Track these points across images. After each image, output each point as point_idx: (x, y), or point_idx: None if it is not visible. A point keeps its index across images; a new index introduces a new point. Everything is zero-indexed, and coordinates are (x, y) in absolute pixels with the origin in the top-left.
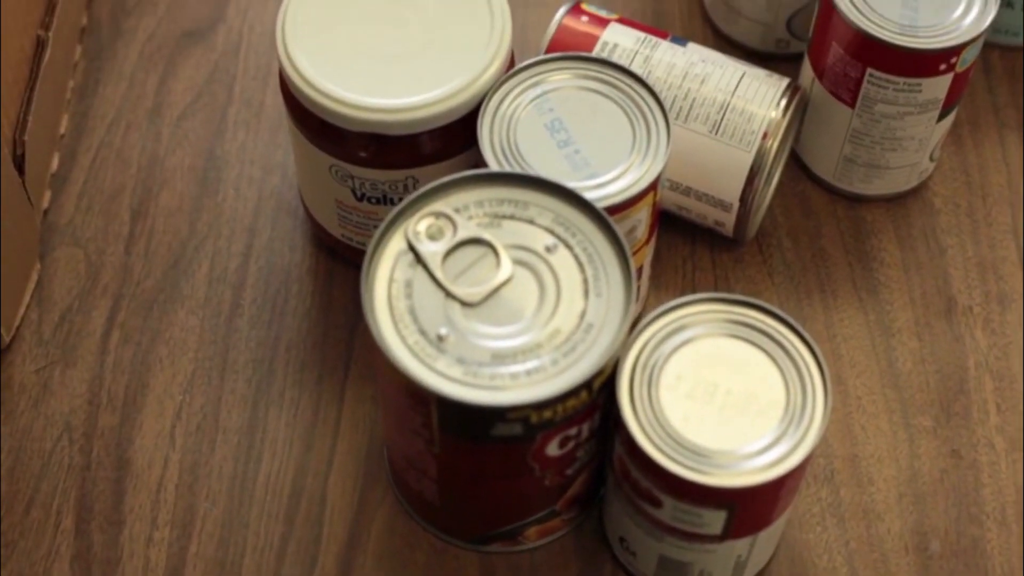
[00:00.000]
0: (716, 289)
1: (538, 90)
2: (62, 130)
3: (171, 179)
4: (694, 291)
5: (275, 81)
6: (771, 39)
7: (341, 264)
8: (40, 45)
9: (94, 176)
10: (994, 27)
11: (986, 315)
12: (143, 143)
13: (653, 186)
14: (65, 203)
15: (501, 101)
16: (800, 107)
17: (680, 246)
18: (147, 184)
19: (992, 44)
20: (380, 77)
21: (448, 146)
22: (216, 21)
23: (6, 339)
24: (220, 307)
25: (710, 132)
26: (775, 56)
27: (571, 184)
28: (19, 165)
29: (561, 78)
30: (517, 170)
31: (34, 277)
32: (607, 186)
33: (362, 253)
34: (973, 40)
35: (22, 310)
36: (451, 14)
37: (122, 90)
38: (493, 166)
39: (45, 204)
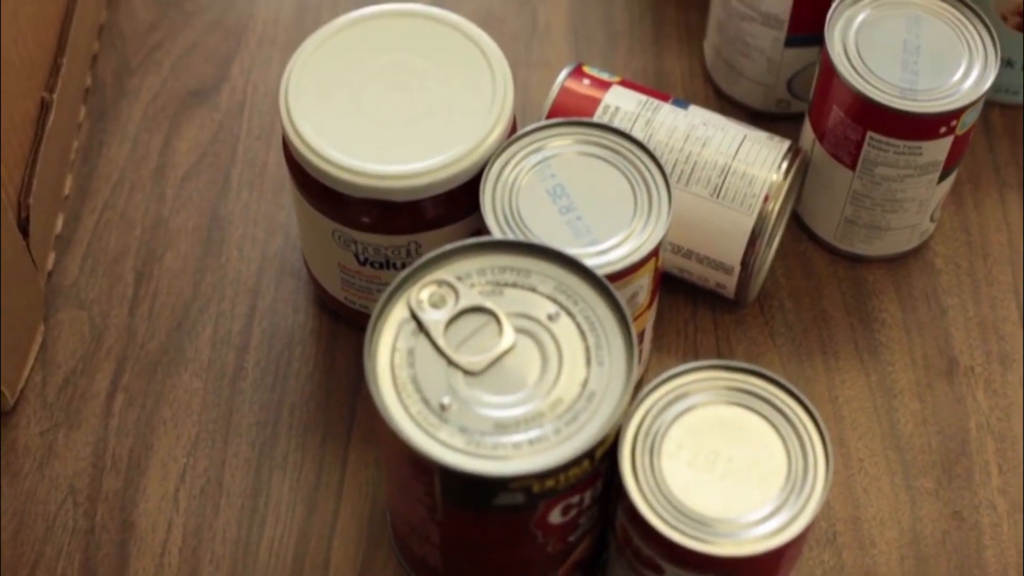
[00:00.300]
0: (718, 351)
1: (540, 156)
2: (66, 191)
3: (175, 240)
4: (696, 353)
5: (278, 141)
6: (772, 99)
7: (344, 326)
8: (45, 107)
9: (98, 237)
10: (994, 86)
11: (987, 375)
12: (147, 204)
13: (655, 252)
14: (69, 265)
15: (503, 167)
16: (801, 169)
17: (682, 307)
18: (151, 245)
19: (992, 102)
20: (383, 143)
21: (451, 211)
22: (220, 81)
23: (10, 401)
24: (224, 369)
25: (711, 195)
26: (776, 116)
27: (573, 251)
28: (24, 228)
29: (563, 143)
30: (519, 237)
31: (38, 339)
32: (609, 253)
33: (365, 316)
34: (973, 103)
35: (26, 372)
36: (453, 78)
37: (126, 150)
38: (496, 234)
39: (49, 266)
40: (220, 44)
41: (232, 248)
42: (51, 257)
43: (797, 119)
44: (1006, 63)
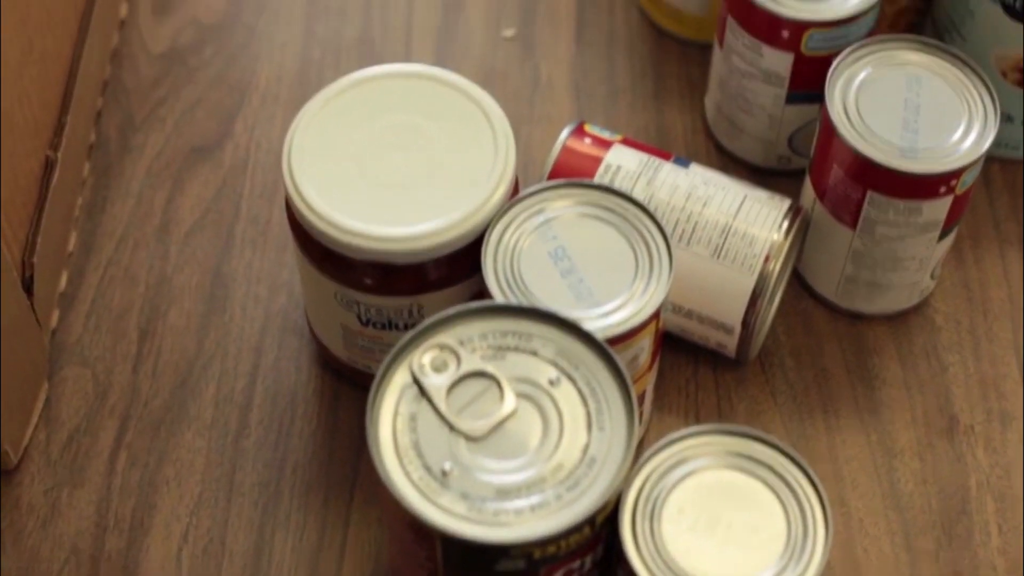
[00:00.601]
0: (719, 411)
1: (541, 218)
2: (70, 248)
3: (178, 298)
4: (697, 413)
5: (281, 199)
6: (773, 156)
7: (347, 384)
8: (49, 166)
9: (102, 295)
10: (994, 141)
11: (987, 434)
12: (151, 261)
13: (655, 315)
14: (73, 322)
15: (505, 230)
16: (802, 228)
17: (683, 366)
18: (155, 303)
19: (993, 157)
20: (385, 205)
21: (453, 273)
22: (223, 137)
23: (14, 460)
24: (227, 428)
25: (712, 255)
26: (777, 172)
27: (574, 314)
28: (28, 287)
29: (564, 204)
30: (521, 301)
31: (42, 397)
32: (610, 316)
33: (368, 375)
34: (973, 164)
35: (30, 430)
36: (456, 140)
37: (130, 207)
38: (498, 297)
39: (53, 323)
40: (223, 100)
41: (235, 306)
42: (55, 314)
43: (798, 175)
44: (1006, 118)
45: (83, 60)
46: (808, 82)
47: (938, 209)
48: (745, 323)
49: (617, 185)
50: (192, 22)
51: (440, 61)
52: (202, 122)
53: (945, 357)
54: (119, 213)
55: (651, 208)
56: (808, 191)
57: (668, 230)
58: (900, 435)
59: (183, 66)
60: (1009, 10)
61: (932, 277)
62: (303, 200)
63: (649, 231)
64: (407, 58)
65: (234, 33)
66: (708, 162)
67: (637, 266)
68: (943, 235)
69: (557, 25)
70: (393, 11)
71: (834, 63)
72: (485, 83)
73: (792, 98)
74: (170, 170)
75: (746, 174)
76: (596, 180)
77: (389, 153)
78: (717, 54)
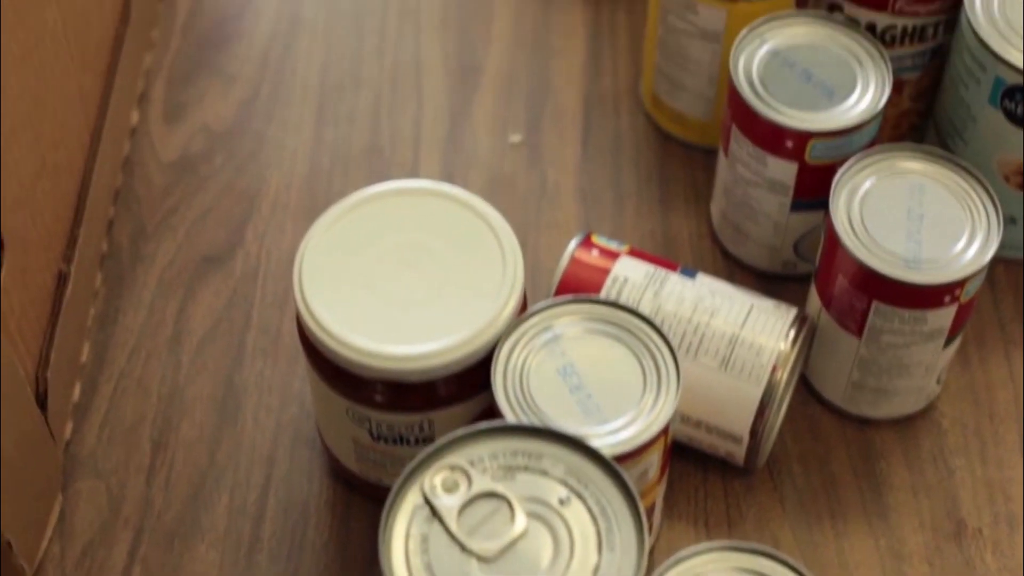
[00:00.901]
0: (728, 519)
1: (549, 334)
2: (84, 358)
3: (191, 409)
4: (706, 521)
5: (292, 308)
6: (778, 261)
7: (359, 496)
8: (62, 279)
9: (115, 406)
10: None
11: (995, 538)
12: (163, 372)
13: (664, 431)
14: (87, 434)
15: (514, 348)
16: (808, 337)
17: (692, 474)
18: (167, 414)
19: (997, 258)
20: (395, 324)
21: (463, 390)
22: (234, 246)
23: (29, 573)
24: (240, 540)
25: (720, 366)
26: (783, 277)
27: (583, 431)
28: (41, 401)
29: (571, 320)
30: (531, 419)
31: (56, 509)
32: (619, 433)
33: (379, 487)
34: (976, 273)
35: (45, 543)
36: (464, 257)
37: (142, 317)
38: (508, 416)
39: (67, 435)
40: (234, 209)
41: (247, 416)
42: (69, 426)
43: (804, 279)
44: (1009, 221)
45: (95, 170)
46: (812, 190)
47: (943, 317)
48: (753, 432)
49: (624, 297)
50: (203, 129)
51: (448, 168)
52: (213, 230)
53: (952, 461)
54: (131, 323)
55: (658, 320)
56: (814, 299)
57: (675, 343)
58: (908, 540)
59: (194, 174)
60: (1011, 116)
61: (938, 382)
62: (315, 320)
63: (657, 346)
64: (415, 164)
65: (244, 140)
66: (714, 267)
67: (645, 382)
68: (948, 342)
69: (563, 130)
70: (401, 118)
71: (837, 175)
72: (493, 189)
73: (797, 206)
74: (181, 279)
75: (752, 279)
76: (604, 292)
77: (398, 270)
78: (722, 162)
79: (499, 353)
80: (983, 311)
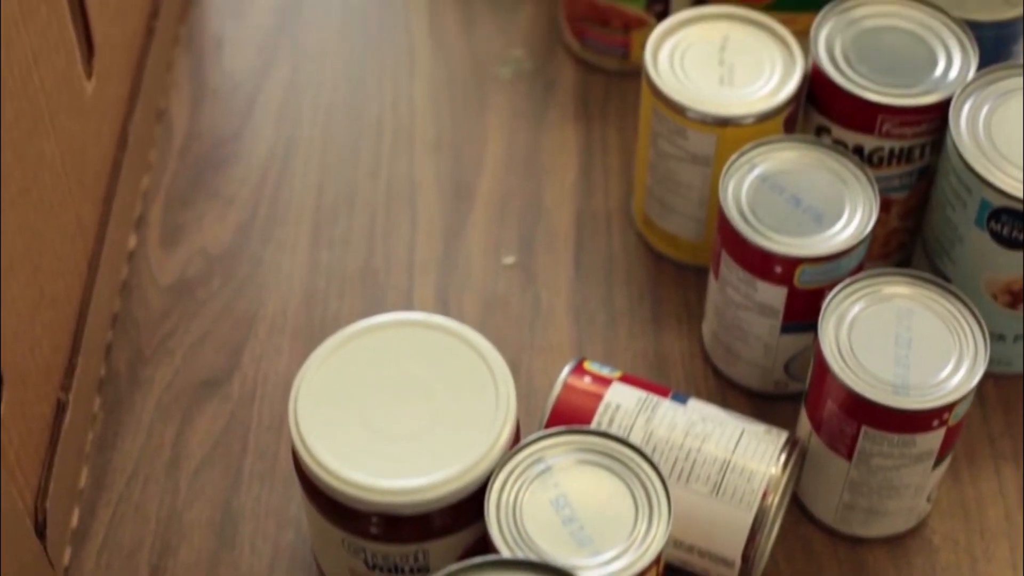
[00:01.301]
0: None
1: (542, 465)
2: (82, 484)
3: (189, 534)
4: None
5: (288, 433)
6: (770, 381)
7: None
8: (60, 408)
9: (113, 531)
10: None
11: None
12: (161, 496)
13: (656, 561)
14: (85, 560)
15: (507, 480)
16: (799, 461)
17: None
18: (165, 539)
19: (986, 373)
20: (390, 457)
21: (458, 521)
22: (231, 370)
23: None
24: None
25: (711, 492)
26: (774, 396)
27: (576, 562)
28: (40, 531)
29: (563, 451)
30: (525, 552)
31: None
32: (611, 564)
33: None
34: (964, 397)
35: None
36: (457, 389)
37: (140, 441)
38: (502, 549)
39: (66, 561)
40: (231, 332)
41: (244, 542)
42: (67, 552)
43: (796, 398)
44: (998, 338)
45: (93, 297)
46: (802, 313)
47: (932, 440)
48: (745, 556)
49: (617, 424)
50: (200, 252)
51: (442, 290)
52: (210, 354)
53: None
54: (129, 448)
55: (650, 446)
56: (804, 423)
57: (667, 470)
58: None
59: (191, 298)
60: (997, 237)
61: (928, 500)
62: (310, 454)
63: (648, 476)
64: (410, 287)
65: (241, 263)
66: (707, 387)
67: (637, 512)
68: (938, 463)
69: (556, 251)
70: (396, 241)
71: (824, 302)
72: (487, 312)
73: (787, 328)
74: (179, 403)
75: (744, 399)
76: (596, 419)
77: (393, 403)
78: (712, 285)
79: (492, 486)
80: (973, 426)
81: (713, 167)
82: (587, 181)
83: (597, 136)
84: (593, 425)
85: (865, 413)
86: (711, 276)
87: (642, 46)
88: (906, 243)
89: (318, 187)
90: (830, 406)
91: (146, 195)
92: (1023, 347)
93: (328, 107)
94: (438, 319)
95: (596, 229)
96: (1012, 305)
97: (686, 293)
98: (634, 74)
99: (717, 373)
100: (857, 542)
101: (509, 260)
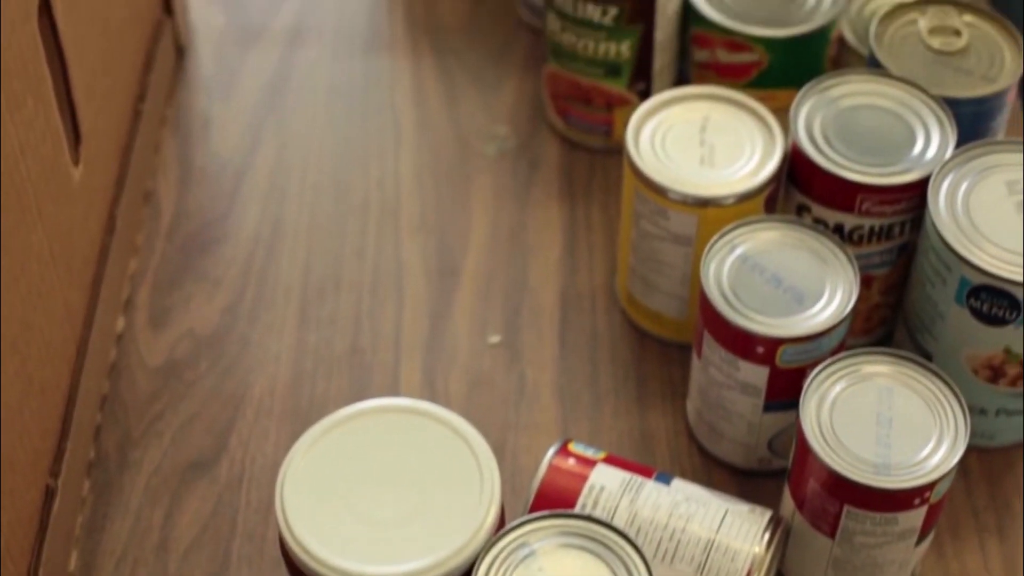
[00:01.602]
0: None
1: (526, 550)
2: (72, 567)
3: None
4: None
5: (276, 516)
6: (754, 458)
7: None
8: (50, 493)
9: None
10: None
11: None
12: None
13: None
14: None
15: (491, 565)
16: (783, 538)
17: None
18: None
19: (969, 447)
20: (376, 543)
21: None
22: (219, 452)
23: None
24: None
25: (696, 572)
26: (759, 473)
27: None
28: None
29: (547, 534)
30: None
31: None
32: None
33: None
34: (945, 476)
35: None
36: (442, 476)
37: (129, 524)
38: None
39: None
40: (219, 414)
41: None
42: None
43: (780, 475)
44: (979, 411)
45: (82, 381)
46: (784, 392)
47: (914, 518)
48: None
49: (601, 506)
50: (188, 333)
51: (429, 370)
52: (198, 436)
53: None
54: (119, 531)
55: (634, 527)
56: (788, 500)
57: (651, 552)
58: None
59: (179, 380)
60: (977, 314)
61: (913, 575)
62: (297, 541)
63: (632, 560)
64: (397, 367)
65: (228, 344)
66: (691, 464)
67: None
68: (921, 539)
69: (541, 329)
70: (382, 321)
71: (806, 382)
72: (473, 391)
73: (769, 407)
74: (168, 486)
75: (729, 476)
76: (581, 500)
77: (378, 490)
78: (696, 364)
79: (478, 571)
80: (956, 500)
81: (695, 247)
82: (571, 259)
83: (581, 213)
84: (578, 507)
85: (847, 492)
86: (694, 355)
87: (625, 123)
88: (888, 318)
89: (305, 267)
90: (812, 485)
91: (134, 277)
92: (1005, 420)
93: (314, 186)
94: (423, 405)
95: (581, 307)
96: (993, 380)
97: (670, 370)
98: (618, 151)
99: (702, 450)
100: None
101: (495, 339)
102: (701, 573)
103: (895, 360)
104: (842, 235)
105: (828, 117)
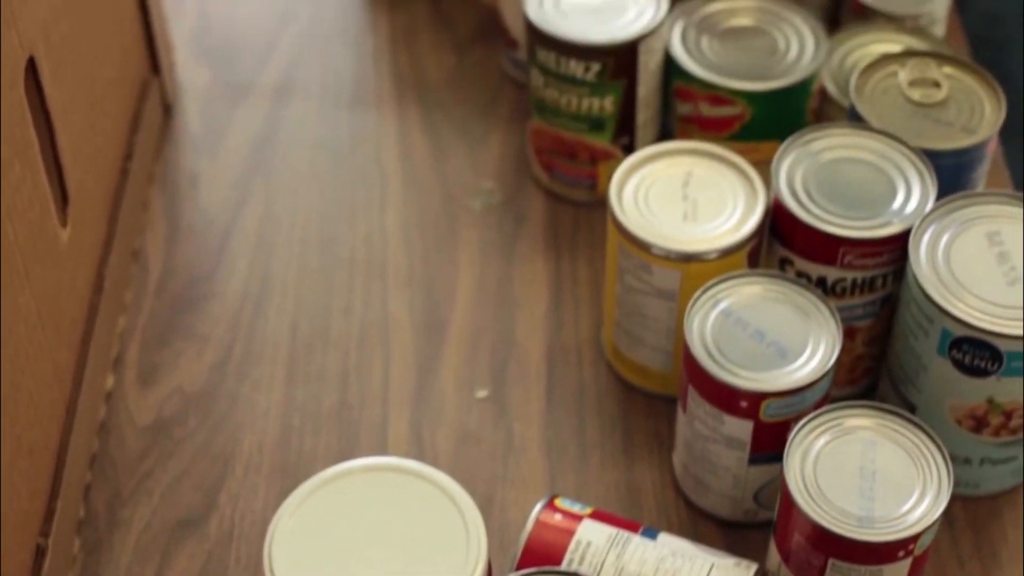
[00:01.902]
0: None
1: None
2: None
3: None
4: None
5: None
6: (740, 511)
7: None
8: (40, 553)
9: None
10: (954, 481)
11: None
12: None
13: None
14: None
15: None
16: None
17: None
18: None
19: (954, 496)
20: None
21: None
22: (209, 510)
23: None
24: None
25: None
26: (745, 525)
27: None
28: None
29: None
30: None
31: None
32: None
33: None
34: (928, 528)
35: None
36: (428, 535)
37: None
38: None
39: None
40: (208, 471)
41: None
42: None
43: (766, 526)
44: (963, 461)
45: (72, 440)
46: (769, 445)
47: (899, 570)
48: None
49: (588, 561)
50: (176, 391)
51: (416, 425)
52: (188, 494)
53: None
54: None
55: None
56: (773, 552)
57: None
58: None
59: (168, 437)
60: (959, 365)
61: None
62: None
63: None
64: (384, 423)
65: (217, 401)
66: (678, 516)
67: None
68: None
69: (528, 384)
70: (369, 377)
71: (790, 437)
72: (460, 446)
73: (754, 460)
74: (158, 544)
75: (715, 528)
76: (567, 556)
77: (365, 549)
78: (681, 418)
79: None
80: (942, 549)
81: (679, 301)
82: (557, 312)
83: (567, 267)
84: (565, 562)
85: (831, 546)
86: (679, 409)
87: (609, 177)
88: (872, 369)
89: (292, 323)
90: (797, 539)
91: (123, 335)
92: (989, 469)
93: (301, 242)
94: (410, 463)
95: (567, 360)
96: (976, 430)
97: (656, 423)
98: (602, 205)
99: (688, 503)
100: None
101: (482, 394)
102: None
103: (878, 413)
104: (825, 288)
105: (810, 171)
